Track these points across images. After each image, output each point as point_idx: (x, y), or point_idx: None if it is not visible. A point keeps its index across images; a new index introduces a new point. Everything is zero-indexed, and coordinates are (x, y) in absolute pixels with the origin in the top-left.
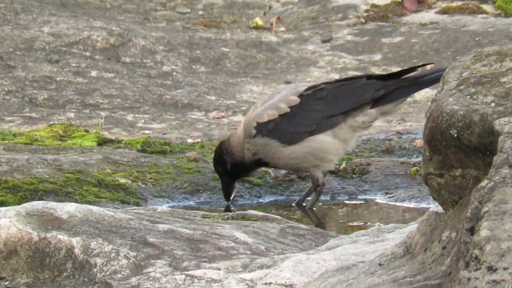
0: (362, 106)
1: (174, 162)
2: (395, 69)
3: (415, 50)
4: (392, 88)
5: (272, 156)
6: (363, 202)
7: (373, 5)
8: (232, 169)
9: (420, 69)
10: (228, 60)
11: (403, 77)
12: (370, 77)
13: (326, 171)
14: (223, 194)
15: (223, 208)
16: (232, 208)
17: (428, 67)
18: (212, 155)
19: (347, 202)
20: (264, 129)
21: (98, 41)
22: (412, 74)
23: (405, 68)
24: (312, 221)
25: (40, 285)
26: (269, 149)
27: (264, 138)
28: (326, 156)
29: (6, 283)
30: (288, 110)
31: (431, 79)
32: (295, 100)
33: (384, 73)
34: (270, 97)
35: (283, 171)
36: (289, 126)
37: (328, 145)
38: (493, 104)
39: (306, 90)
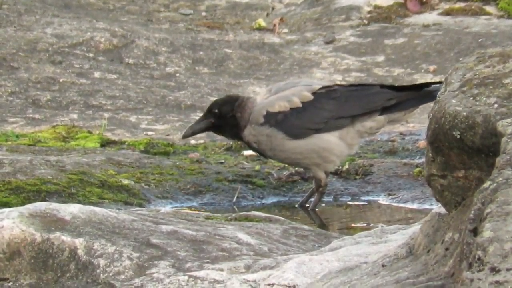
0: (371, 112)
1: (177, 163)
2: (398, 70)
3: (418, 51)
4: (403, 99)
5: (274, 148)
6: (366, 203)
7: (376, 7)
8: (230, 128)
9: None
10: (231, 61)
11: (416, 90)
12: (383, 86)
13: (328, 172)
14: (189, 128)
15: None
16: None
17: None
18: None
19: (350, 203)
20: (272, 119)
21: (101, 42)
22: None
23: (420, 82)
24: (315, 222)
25: (43, 286)
26: (273, 140)
27: (271, 128)
28: (329, 156)
29: (10, 284)
30: (300, 105)
31: None
32: (309, 96)
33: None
34: (285, 86)
35: (286, 172)
36: (298, 120)
37: (333, 145)
38: (496, 105)
39: (320, 88)
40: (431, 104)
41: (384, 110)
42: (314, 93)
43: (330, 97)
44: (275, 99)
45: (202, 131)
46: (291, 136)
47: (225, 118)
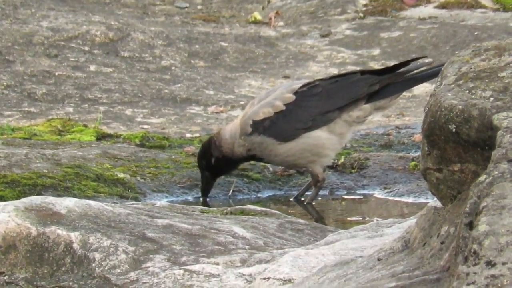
0: (356, 101)
1: (173, 156)
2: (393, 63)
3: (414, 44)
4: (386, 82)
5: (268, 154)
6: (362, 197)
7: (371, 0)
8: (215, 163)
9: (414, 63)
10: (227, 55)
11: (397, 71)
12: (364, 72)
13: (325, 166)
14: (200, 189)
15: (203, 202)
16: (208, 202)
17: (426, 60)
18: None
19: (345, 197)
20: (260, 127)
21: (97, 36)
22: (407, 69)
23: (399, 62)
24: (312, 216)
25: (38, 279)
26: (266, 147)
27: (260, 136)
28: (322, 152)
29: (5, 278)
30: (284, 107)
31: (427, 75)
32: (291, 97)
33: (379, 67)
34: (266, 95)
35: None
36: (285, 123)
37: (324, 140)
38: (491, 99)
39: (301, 87)
40: (427, 97)
41: (370, 98)
42: (296, 93)
43: (312, 94)
44: (258, 107)
45: (209, 184)
46: (281, 140)
47: (213, 162)
